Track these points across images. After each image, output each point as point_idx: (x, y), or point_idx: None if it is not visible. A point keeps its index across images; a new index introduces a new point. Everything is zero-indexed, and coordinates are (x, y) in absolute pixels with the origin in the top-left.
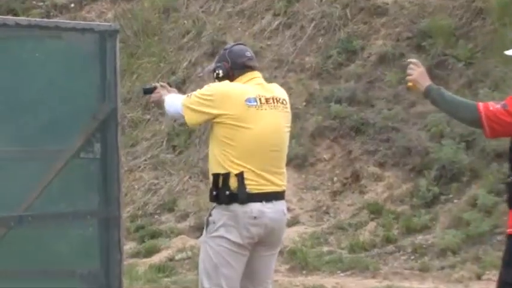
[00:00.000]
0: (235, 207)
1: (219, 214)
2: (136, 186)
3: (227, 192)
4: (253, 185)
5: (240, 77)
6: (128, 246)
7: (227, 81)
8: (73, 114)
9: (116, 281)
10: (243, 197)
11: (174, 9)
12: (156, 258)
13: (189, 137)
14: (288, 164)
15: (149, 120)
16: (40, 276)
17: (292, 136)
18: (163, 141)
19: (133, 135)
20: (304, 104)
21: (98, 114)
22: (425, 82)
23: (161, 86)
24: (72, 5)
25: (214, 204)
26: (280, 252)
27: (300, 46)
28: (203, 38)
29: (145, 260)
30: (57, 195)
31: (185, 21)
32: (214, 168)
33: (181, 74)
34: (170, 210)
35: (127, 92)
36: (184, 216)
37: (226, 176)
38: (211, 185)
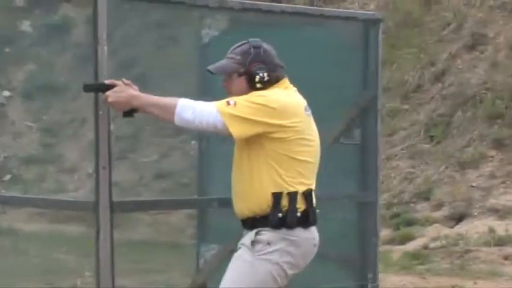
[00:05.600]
0: (299, 232)
1: (276, 237)
2: (393, 175)
3: (298, 215)
4: (314, 205)
5: (276, 84)
6: (384, 233)
7: (278, 90)
8: (334, 100)
9: (371, 266)
10: (313, 219)
11: (435, 2)
12: (410, 246)
13: (447, 127)
14: None
15: (407, 110)
16: None
17: None
18: (420, 131)
19: (391, 125)
20: None
21: (359, 101)
22: None
23: (125, 83)
24: None
25: (259, 228)
26: None
27: None
28: (463, 31)
29: (399, 247)
30: (317, 178)
31: (446, 14)
32: (273, 187)
33: (441, 65)
34: (426, 199)
35: (386, 82)
36: (439, 206)
37: (294, 195)
38: (270, 207)
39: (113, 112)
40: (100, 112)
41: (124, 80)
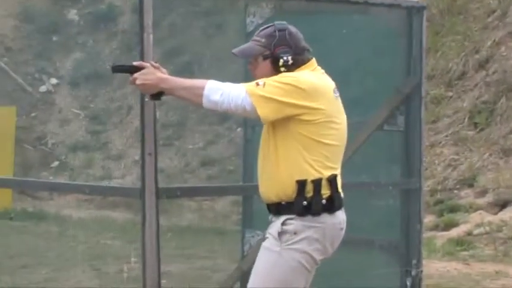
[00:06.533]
0: (325, 218)
1: (302, 226)
2: (437, 162)
3: (324, 202)
4: (339, 189)
5: (303, 66)
6: (427, 219)
7: (306, 72)
8: (378, 87)
9: (415, 252)
10: (338, 204)
11: None
12: (454, 232)
13: (491, 114)
14: None
15: (451, 97)
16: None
17: None
18: (464, 118)
19: (435, 112)
20: None
21: (402, 88)
22: None
23: (154, 66)
24: None
25: (286, 215)
26: None
27: None
28: (508, 18)
29: (443, 233)
30: (361, 165)
31: (491, 1)
32: (298, 173)
33: (485, 53)
34: (470, 185)
35: (430, 69)
36: (483, 192)
37: (318, 181)
38: (294, 194)
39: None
40: (146, 99)
41: (152, 62)
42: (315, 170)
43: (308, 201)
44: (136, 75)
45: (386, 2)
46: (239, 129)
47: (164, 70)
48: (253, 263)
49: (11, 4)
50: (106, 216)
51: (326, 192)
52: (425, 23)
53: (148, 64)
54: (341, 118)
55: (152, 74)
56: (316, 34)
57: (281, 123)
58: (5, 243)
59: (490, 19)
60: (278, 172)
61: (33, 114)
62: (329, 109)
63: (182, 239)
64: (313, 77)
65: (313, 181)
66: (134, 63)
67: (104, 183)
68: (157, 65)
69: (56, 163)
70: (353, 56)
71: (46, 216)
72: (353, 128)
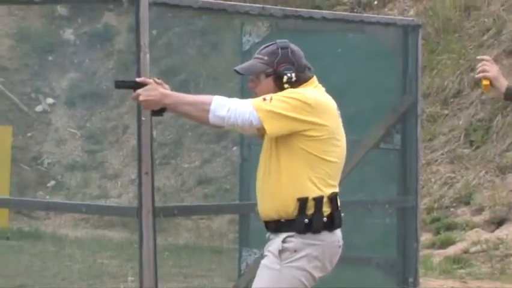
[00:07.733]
0: (325, 235)
1: (302, 243)
2: (433, 180)
3: (324, 219)
4: (339, 207)
5: (305, 83)
6: (424, 237)
7: (310, 88)
8: (374, 105)
9: (412, 270)
10: (338, 222)
11: (475, 7)
12: (451, 250)
13: (487, 132)
14: None
15: (447, 115)
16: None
17: None
18: (460, 136)
19: (431, 130)
20: None
21: (398, 106)
22: (504, 81)
23: (157, 82)
24: (375, 2)
25: (286, 233)
26: None
27: None
28: (503, 36)
29: (439, 251)
30: (358, 183)
31: (486, 19)
32: (299, 191)
33: None
34: (466, 203)
35: (426, 88)
36: (480, 210)
37: (320, 199)
38: (295, 212)
39: (156, 119)
40: (143, 118)
41: (155, 78)
42: (317, 187)
43: (309, 219)
44: (139, 91)
45: (382, 21)
46: (235, 148)
47: (166, 86)
48: (250, 281)
49: (7, 24)
50: (102, 235)
51: (326, 209)
52: (420, 42)
53: (151, 80)
54: (342, 135)
55: (155, 89)
56: (313, 53)
57: (284, 140)
58: (1, 263)
59: (485, 37)
60: (279, 189)
61: (29, 134)
62: (332, 126)
63: (179, 257)
64: (318, 93)
65: (314, 198)
66: (137, 80)
67: (101, 202)
68: (159, 81)
69: (52, 182)
70: (348, 75)
71: (42, 236)
72: (349, 146)
